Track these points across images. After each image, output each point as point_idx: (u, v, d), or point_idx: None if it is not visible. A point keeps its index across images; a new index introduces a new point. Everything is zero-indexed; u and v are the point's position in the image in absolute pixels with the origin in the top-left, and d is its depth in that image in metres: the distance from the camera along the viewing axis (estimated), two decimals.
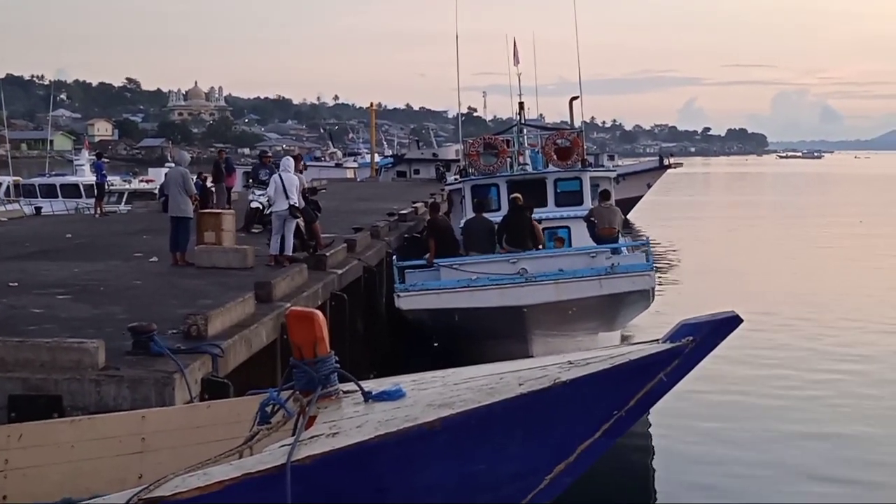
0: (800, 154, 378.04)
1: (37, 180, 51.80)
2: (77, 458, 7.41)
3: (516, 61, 32.59)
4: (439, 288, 19.35)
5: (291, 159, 20.52)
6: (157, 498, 5.46)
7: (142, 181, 54.78)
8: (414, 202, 35.88)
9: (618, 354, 6.28)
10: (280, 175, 19.28)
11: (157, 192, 42.49)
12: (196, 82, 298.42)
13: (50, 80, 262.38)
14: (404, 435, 5.83)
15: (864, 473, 15.25)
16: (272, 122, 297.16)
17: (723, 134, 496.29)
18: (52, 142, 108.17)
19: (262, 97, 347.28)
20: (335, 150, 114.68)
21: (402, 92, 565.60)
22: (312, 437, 5.92)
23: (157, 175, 53.02)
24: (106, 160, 67.33)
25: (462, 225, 22.93)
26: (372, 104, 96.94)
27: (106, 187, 39.32)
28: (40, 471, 7.36)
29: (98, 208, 36.70)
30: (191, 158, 22.82)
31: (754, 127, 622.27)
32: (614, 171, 35.69)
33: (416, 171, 71.76)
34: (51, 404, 8.80)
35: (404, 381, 6.70)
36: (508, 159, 26.43)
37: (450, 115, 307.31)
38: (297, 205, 18.85)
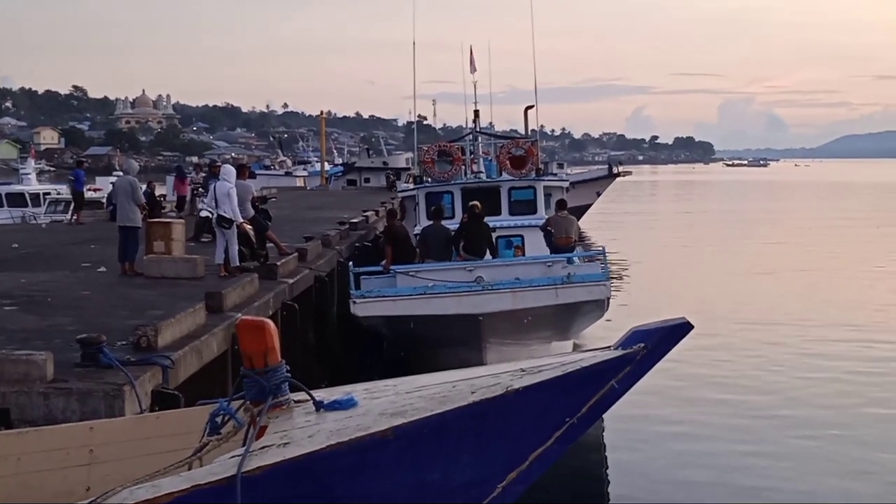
0: (746, 162, 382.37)
1: None
2: (23, 470, 7.27)
3: (473, 69, 32.62)
4: (395, 295, 19.30)
5: (231, 168, 20.05)
6: None
7: (89, 190, 54.15)
8: (364, 211, 35.84)
9: (570, 362, 6.30)
10: (214, 185, 19.08)
11: (104, 200, 42.06)
12: (143, 90, 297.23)
13: None
14: (356, 444, 5.81)
15: (815, 475, 15.46)
16: (221, 130, 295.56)
17: (670, 142, 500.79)
18: None
19: (210, 105, 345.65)
20: (285, 158, 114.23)
21: (352, 100, 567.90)
22: (263, 448, 5.87)
23: (104, 184, 52.48)
24: (51, 167, 66.57)
25: (419, 232, 22.93)
26: (322, 112, 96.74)
27: (84, 196, 38.74)
28: None
29: (76, 216, 36.12)
30: (139, 167, 22.62)
31: (701, 135, 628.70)
32: (567, 180, 35.82)
33: (367, 180, 71.87)
34: None
35: (356, 390, 6.66)
36: (462, 167, 26.47)
37: (399, 123, 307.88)
38: (226, 215, 18.36)
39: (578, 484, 14.56)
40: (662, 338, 6.26)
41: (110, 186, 39.13)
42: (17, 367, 9.19)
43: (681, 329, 6.28)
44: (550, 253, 21.94)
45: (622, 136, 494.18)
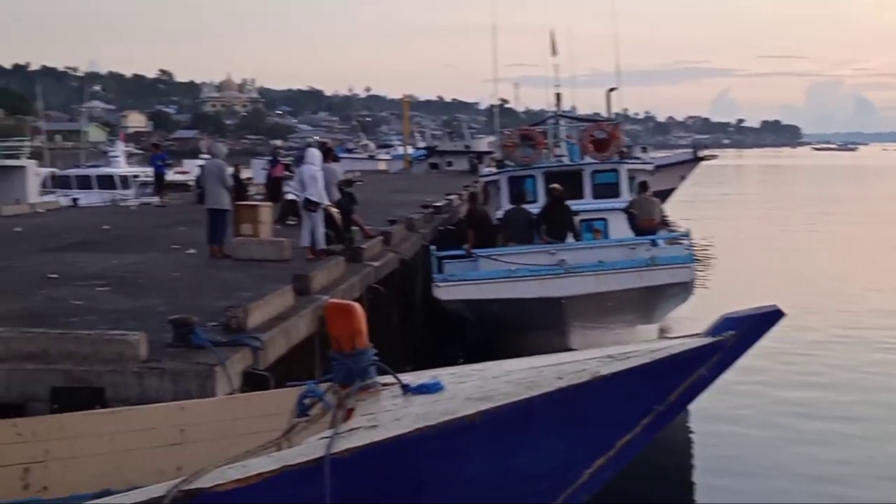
0: (834, 146, 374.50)
1: (72, 172, 52.12)
2: (117, 448, 7.39)
3: (555, 52, 32.51)
4: (478, 278, 19.30)
5: (315, 151, 20.06)
6: (197, 489, 5.42)
7: (176, 172, 54.96)
8: (448, 194, 35.83)
9: (658, 348, 6.25)
10: (301, 168, 19.23)
11: (192, 183, 42.74)
12: (229, 74, 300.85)
13: (84, 72, 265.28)
14: (443, 428, 5.81)
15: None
16: (304, 113, 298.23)
17: (756, 126, 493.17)
18: (86, 133, 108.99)
19: (294, 89, 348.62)
20: (368, 141, 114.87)
21: (434, 83, 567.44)
22: (351, 430, 5.89)
23: (192, 166, 53.25)
24: (139, 150, 67.75)
25: (500, 216, 22.94)
26: (405, 96, 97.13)
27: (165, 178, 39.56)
28: (80, 461, 7.36)
29: (161, 198, 36.91)
30: (227, 151, 22.88)
31: (788, 118, 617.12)
32: (651, 162, 35.55)
33: (449, 163, 71.91)
34: (93, 396, 8.86)
35: (442, 375, 6.68)
36: (545, 150, 26.39)
37: (481, 107, 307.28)
38: (312, 198, 18.55)
39: (661, 476, 14.42)
40: (753, 325, 6.17)
41: (197, 169, 39.81)
42: (111, 347, 9.35)
43: (772, 316, 6.19)
44: (634, 236, 21.80)
45: (707, 119, 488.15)
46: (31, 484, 7.33)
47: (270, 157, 38.57)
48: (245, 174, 38.60)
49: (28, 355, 9.42)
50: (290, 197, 24.85)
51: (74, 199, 41.42)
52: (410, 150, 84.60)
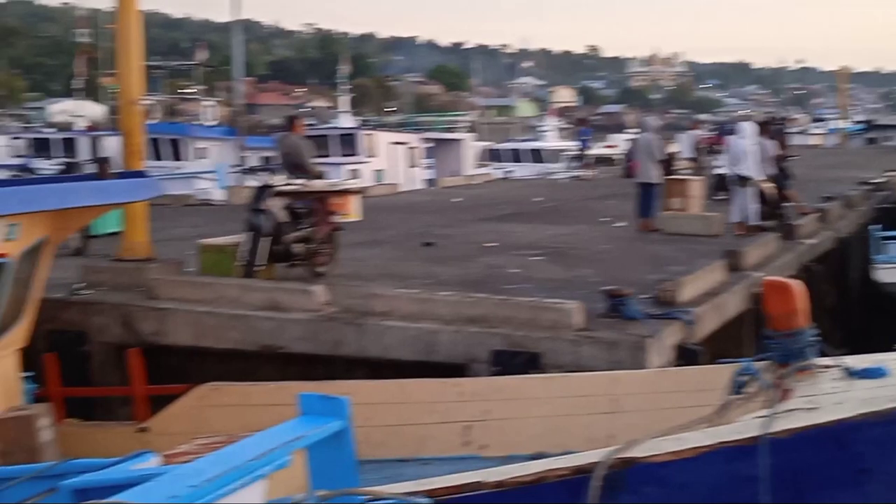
0: None
1: (504, 145, 54.40)
2: (551, 413, 7.60)
3: None
4: None
5: (749, 125, 19.61)
6: (632, 458, 5.46)
7: (605, 147, 55.87)
8: (887, 171, 33.97)
9: None
10: (734, 142, 18.92)
11: (619, 157, 43.38)
12: (655, 48, 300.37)
13: (515, 49, 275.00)
14: (890, 415, 5.53)
15: None
16: (732, 87, 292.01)
17: None
18: (516, 108, 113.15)
19: (721, 62, 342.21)
20: (799, 115, 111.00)
21: (872, 53, 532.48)
22: (789, 411, 5.76)
23: (618, 141, 53.88)
24: (567, 125, 69.47)
25: None
26: (840, 68, 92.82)
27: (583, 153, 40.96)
28: (517, 423, 7.63)
29: (588, 171, 38.26)
30: (660, 125, 22.93)
31: None
32: None
33: (888, 138, 68.25)
34: (531, 361, 9.20)
35: (887, 360, 6.37)
36: None
37: None
38: (744, 173, 18.08)
39: None
40: None
41: (623, 144, 40.50)
42: (548, 315, 9.67)
43: None
44: None
45: None
46: (470, 441, 7.73)
47: (717, 129, 38.65)
48: (672, 148, 38.57)
49: (471, 319, 9.92)
50: (719, 171, 24.53)
51: (507, 172, 43.25)
52: (846, 124, 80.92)
